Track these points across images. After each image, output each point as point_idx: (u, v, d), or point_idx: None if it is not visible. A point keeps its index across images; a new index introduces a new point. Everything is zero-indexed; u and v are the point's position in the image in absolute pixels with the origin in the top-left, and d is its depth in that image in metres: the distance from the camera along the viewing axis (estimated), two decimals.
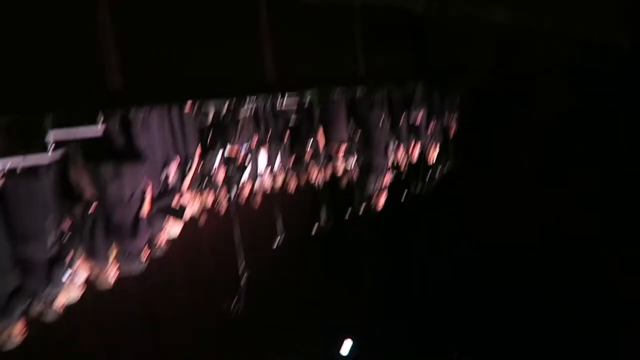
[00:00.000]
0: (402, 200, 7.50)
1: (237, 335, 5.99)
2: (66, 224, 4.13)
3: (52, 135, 4.09)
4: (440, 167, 7.89)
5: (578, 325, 7.32)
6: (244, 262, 4.75)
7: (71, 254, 4.07)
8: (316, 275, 7.90)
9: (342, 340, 7.82)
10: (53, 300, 3.91)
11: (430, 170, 7.79)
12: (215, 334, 6.03)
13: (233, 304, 4.66)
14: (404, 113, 7.20)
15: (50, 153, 4.04)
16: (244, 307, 4.60)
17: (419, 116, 7.43)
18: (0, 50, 3.85)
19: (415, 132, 7.48)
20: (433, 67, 7.13)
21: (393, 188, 7.24)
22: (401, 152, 7.33)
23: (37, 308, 3.85)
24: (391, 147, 7.07)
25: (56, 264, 3.96)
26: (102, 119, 4.36)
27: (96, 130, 4.35)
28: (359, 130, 6.65)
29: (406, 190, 7.54)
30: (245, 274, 4.78)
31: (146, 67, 4.79)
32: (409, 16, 6.54)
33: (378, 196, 6.99)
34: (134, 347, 5.67)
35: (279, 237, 5.28)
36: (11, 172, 3.89)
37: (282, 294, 7.16)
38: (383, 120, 6.80)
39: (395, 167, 7.42)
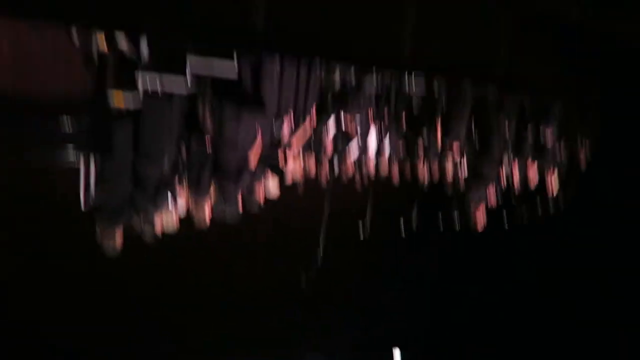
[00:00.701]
0: (503, 223, 7.07)
1: (302, 308, 6.03)
2: (181, 153, 4.38)
3: (190, 62, 4.25)
4: (557, 199, 7.28)
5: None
6: (323, 239, 4.76)
7: (177, 181, 4.33)
8: (388, 280, 7.66)
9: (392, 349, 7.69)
10: (153, 220, 4.17)
11: (544, 199, 7.24)
12: (283, 300, 6.10)
13: (305, 276, 4.70)
14: (531, 126, 6.72)
15: (186, 80, 4.22)
16: (314, 283, 4.63)
17: (548, 134, 6.90)
18: None
19: (538, 150, 6.97)
20: (579, 82, 6.47)
21: (497, 206, 6.84)
22: (516, 169, 6.88)
23: (138, 222, 4.12)
24: (506, 159, 6.66)
25: (163, 186, 4.22)
26: (237, 57, 4.47)
27: (229, 66, 4.43)
28: (476, 132, 6.31)
29: (510, 213, 7.08)
30: (322, 252, 4.79)
31: (290, 14, 4.72)
32: (562, 21, 5.89)
33: (477, 208, 6.64)
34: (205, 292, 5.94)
35: (365, 228, 5.20)
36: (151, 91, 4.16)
37: (348, 284, 7.01)
38: (506, 128, 6.40)
39: (506, 184, 6.98)
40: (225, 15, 4.02)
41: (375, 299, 7.53)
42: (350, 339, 7.07)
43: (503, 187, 6.87)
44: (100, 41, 3.74)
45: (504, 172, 6.83)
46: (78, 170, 3.81)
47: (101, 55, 3.81)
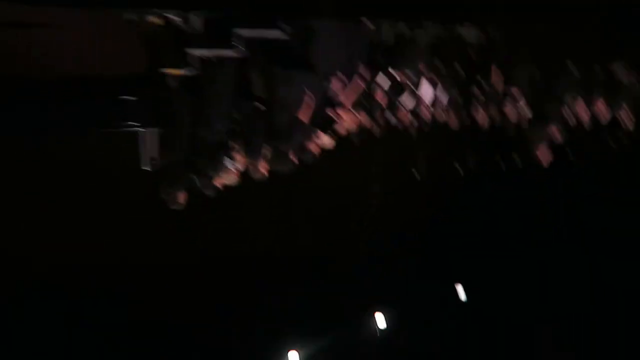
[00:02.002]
0: (571, 161, 6.83)
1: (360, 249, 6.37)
2: (235, 116, 4.72)
3: (242, 33, 4.49)
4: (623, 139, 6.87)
5: None
6: (379, 187, 4.96)
7: (233, 142, 4.69)
8: (445, 221, 7.77)
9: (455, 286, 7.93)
10: (213, 178, 4.61)
11: (618, 137, 6.84)
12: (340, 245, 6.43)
13: (360, 223, 4.98)
14: (602, 62, 6.29)
15: (237, 49, 4.48)
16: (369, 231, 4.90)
17: (620, 69, 6.43)
18: None
19: (613, 88, 6.54)
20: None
21: (566, 146, 6.61)
22: (585, 108, 6.53)
23: (200, 182, 4.58)
24: (573, 100, 6.34)
25: (221, 148, 4.60)
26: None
27: (279, 34, 4.63)
28: (539, 74, 6.05)
29: (578, 153, 6.81)
30: (378, 199, 5.01)
31: None
32: None
33: (543, 150, 6.47)
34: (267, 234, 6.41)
35: (420, 170, 5.33)
36: (203, 59, 4.48)
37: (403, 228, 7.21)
38: (570, 66, 6.06)
39: (576, 123, 6.68)
40: None
41: (436, 237, 7.77)
42: (407, 275, 7.39)
43: (570, 125, 6.61)
44: (153, 20, 4.04)
45: (570, 111, 6.54)
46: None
47: (155, 33, 4.13)
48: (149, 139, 4.34)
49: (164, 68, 4.23)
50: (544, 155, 6.45)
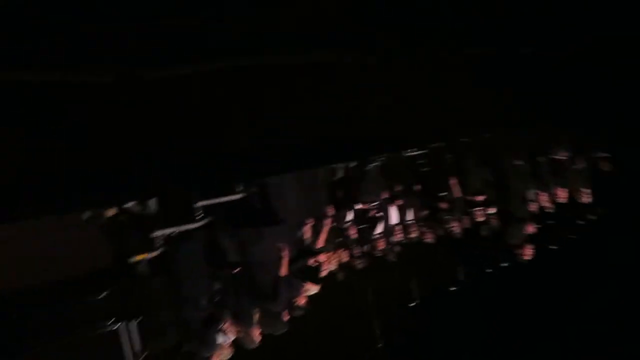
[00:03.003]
0: (550, 249, 6.87)
1: None
2: (216, 286, 4.46)
3: (200, 205, 4.46)
4: (589, 214, 7.11)
5: None
6: (377, 321, 4.66)
7: (221, 315, 4.36)
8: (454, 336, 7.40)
9: None
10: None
11: (579, 218, 7.07)
12: None
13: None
14: (544, 157, 6.71)
15: (199, 221, 4.40)
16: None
17: (562, 158, 6.86)
18: None
19: (559, 175, 6.90)
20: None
21: (542, 237, 6.71)
22: (545, 199, 6.78)
23: None
24: (532, 194, 6.60)
25: (209, 325, 4.25)
26: (241, 187, 4.68)
27: (237, 196, 4.64)
28: (495, 179, 6.33)
29: (553, 240, 6.91)
30: (380, 334, 4.67)
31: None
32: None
33: (523, 247, 6.50)
34: None
35: (415, 298, 5.12)
36: (169, 238, 4.34)
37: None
38: (520, 166, 6.41)
39: (542, 214, 6.86)
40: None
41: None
42: None
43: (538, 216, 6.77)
44: (110, 214, 3.98)
45: (535, 206, 6.74)
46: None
47: (115, 227, 4.03)
48: (129, 333, 3.95)
49: (130, 257, 4.04)
50: (523, 250, 6.48)
